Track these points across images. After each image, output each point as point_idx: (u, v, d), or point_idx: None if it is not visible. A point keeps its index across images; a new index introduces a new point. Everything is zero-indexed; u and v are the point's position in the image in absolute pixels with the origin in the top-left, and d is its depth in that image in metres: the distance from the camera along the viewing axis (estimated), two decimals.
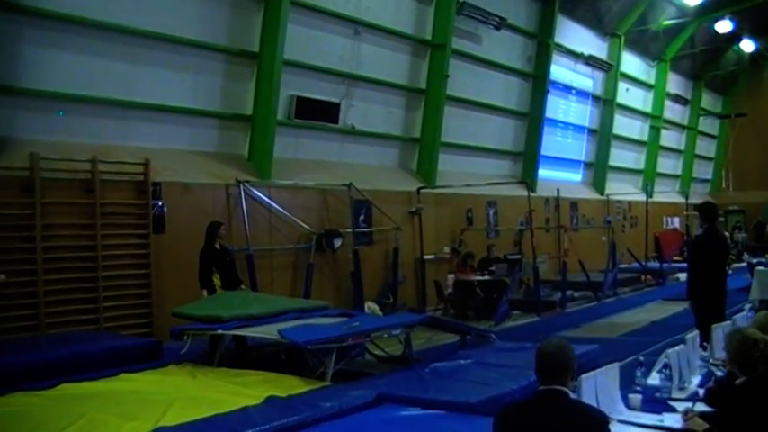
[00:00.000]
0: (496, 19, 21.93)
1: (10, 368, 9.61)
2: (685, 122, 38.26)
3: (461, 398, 8.47)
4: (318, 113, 17.41)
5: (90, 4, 13.17)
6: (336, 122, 18.02)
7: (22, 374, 9.55)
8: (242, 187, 15.16)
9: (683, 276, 24.74)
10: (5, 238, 11.97)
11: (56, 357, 10.25)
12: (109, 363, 10.38)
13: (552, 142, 26.75)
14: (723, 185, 41.94)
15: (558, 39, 25.48)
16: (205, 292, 12.15)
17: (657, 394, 6.74)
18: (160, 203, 13.89)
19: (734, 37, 34.61)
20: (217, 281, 12.36)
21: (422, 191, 19.78)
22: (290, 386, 9.22)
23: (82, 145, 13.12)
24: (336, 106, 17.91)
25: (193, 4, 14.86)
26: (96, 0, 13.30)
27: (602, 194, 29.60)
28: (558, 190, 23.84)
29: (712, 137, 42.03)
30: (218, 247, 12.53)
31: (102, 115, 13.68)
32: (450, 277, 18.70)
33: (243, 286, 12.97)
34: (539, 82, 25.08)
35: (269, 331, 10.35)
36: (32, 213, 12.16)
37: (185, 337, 10.80)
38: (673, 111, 36.12)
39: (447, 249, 20.31)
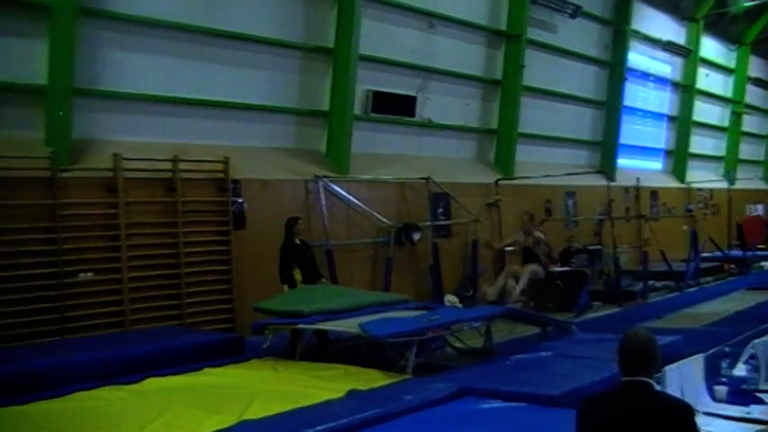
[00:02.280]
0: (571, 7, 21.74)
1: (98, 363, 9.82)
2: None
3: (543, 390, 8.43)
4: (395, 107, 17.42)
5: (166, 6, 13.38)
6: (413, 116, 18.02)
7: (110, 369, 9.76)
8: (320, 182, 15.26)
9: (767, 265, 24.34)
10: (91, 237, 12.23)
11: (141, 353, 10.44)
12: (192, 358, 10.55)
13: (631, 130, 26.35)
14: None
15: (634, 25, 25.10)
16: (286, 287, 12.23)
17: (744, 386, 6.64)
18: (240, 200, 14.04)
19: None
20: (297, 276, 12.44)
21: (500, 182, 19.70)
22: (372, 379, 9.26)
23: (162, 144, 13.34)
24: (413, 100, 17.90)
25: (268, 2, 14.99)
26: (172, 2, 13.50)
27: (682, 182, 29.12)
28: (637, 179, 23.56)
29: None
30: (297, 242, 12.63)
31: (181, 114, 13.88)
32: None
33: (324, 280, 13.04)
34: (616, 70, 24.73)
35: (350, 325, 10.41)
36: (116, 213, 12.41)
37: (266, 332, 10.95)
38: (754, 95, 35.21)
39: None
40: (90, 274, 12.14)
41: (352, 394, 8.47)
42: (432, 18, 18.12)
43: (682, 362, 6.21)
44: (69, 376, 9.33)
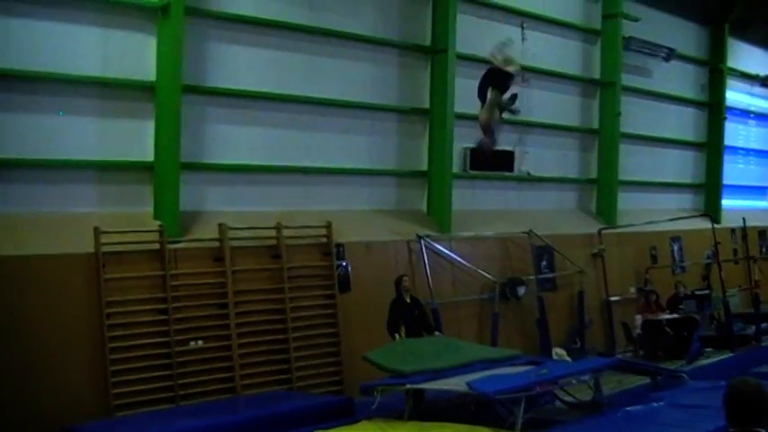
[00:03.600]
0: (665, 50, 21.59)
1: (211, 429, 10.09)
2: None
3: None
4: (493, 163, 17.43)
5: (264, 79, 13.78)
6: (512, 170, 18.08)
7: None
8: (422, 242, 15.37)
9: None
10: (201, 305, 12.57)
11: (252, 417, 10.68)
12: (302, 421, 10.72)
13: (734, 170, 25.85)
14: None
15: (730, 63, 24.78)
16: (397, 336, 12.45)
17: None
18: (344, 263, 14.23)
19: None
20: (402, 332, 12.57)
21: (603, 231, 19.53)
22: None
23: (266, 212, 13.64)
24: (510, 154, 17.96)
25: (363, 68, 15.30)
26: (272, 74, 13.90)
27: None
28: (743, 219, 23.04)
29: None
30: (407, 300, 12.78)
31: (283, 182, 14.22)
32: (638, 318, 18.33)
33: (437, 333, 13.08)
34: (715, 110, 24.40)
35: (458, 384, 10.43)
36: (224, 281, 12.72)
37: (375, 393, 11.05)
38: None
39: (633, 289, 19.92)
40: (200, 342, 12.44)
41: None
42: (525, 72, 18.17)
43: None
44: None
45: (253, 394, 12.58)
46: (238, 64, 13.52)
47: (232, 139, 13.51)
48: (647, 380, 12.55)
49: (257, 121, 13.82)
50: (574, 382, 11.30)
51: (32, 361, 10.65)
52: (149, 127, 12.48)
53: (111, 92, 12.20)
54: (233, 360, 12.64)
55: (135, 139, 12.48)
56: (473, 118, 16.80)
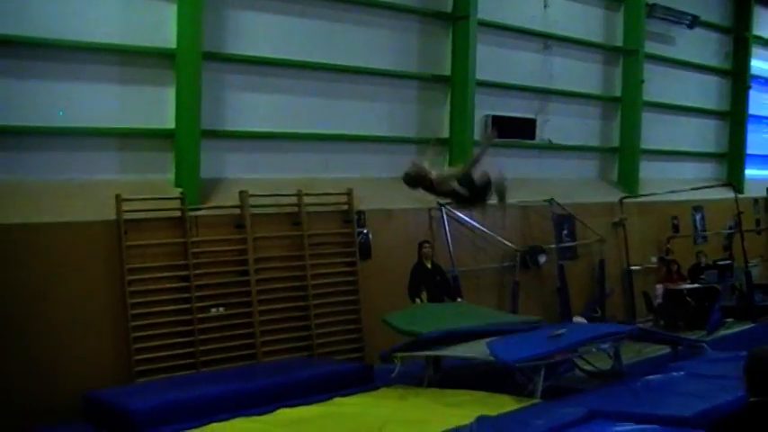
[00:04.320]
0: (689, 18, 21.38)
1: (231, 395, 10.12)
2: None
3: (675, 412, 8.33)
4: (514, 131, 17.35)
5: (285, 45, 13.74)
6: (533, 138, 17.99)
7: (242, 401, 10.04)
8: (443, 209, 15.36)
9: None
10: (222, 273, 12.63)
11: (272, 384, 10.72)
12: (322, 388, 10.72)
13: (758, 139, 25.62)
14: None
15: (756, 31, 24.51)
16: (418, 301, 12.52)
17: None
18: (365, 231, 14.25)
19: None
20: (423, 297, 12.60)
21: (624, 201, 19.45)
22: (500, 405, 9.23)
23: (287, 179, 13.67)
24: (532, 122, 17.88)
25: (384, 34, 15.23)
26: (291, 42, 13.86)
27: None
28: (767, 189, 22.90)
29: None
30: (429, 265, 12.80)
31: (303, 150, 14.21)
32: (659, 287, 18.28)
33: (459, 299, 13.06)
34: (739, 78, 24.18)
35: (478, 350, 10.41)
36: (245, 248, 12.77)
37: (395, 360, 11.09)
38: None
39: (654, 259, 19.86)
40: (221, 309, 12.51)
41: (481, 420, 8.49)
42: (547, 39, 18.09)
43: None
44: (204, 408, 9.66)
45: (273, 361, 12.66)
46: (259, 31, 13.47)
47: (252, 107, 13.50)
48: (667, 349, 12.51)
49: (277, 89, 13.79)
50: (594, 350, 11.26)
51: (56, 328, 10.75)
52: (170, 94, 12.46)
53: (132, 59, 12.19)
54: (253, 327, 12.71)
55: (155, 106, 12.47)
56: (494, 85, 16.91)
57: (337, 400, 10.23)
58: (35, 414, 10.15)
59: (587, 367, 11.67)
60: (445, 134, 16.23)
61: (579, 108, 19.34)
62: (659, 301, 18.07)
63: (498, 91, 17.17)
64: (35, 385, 10.37)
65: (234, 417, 9.44)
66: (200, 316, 12.23)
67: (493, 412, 8.80)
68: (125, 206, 11.59)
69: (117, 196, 11.56)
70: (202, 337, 12.20)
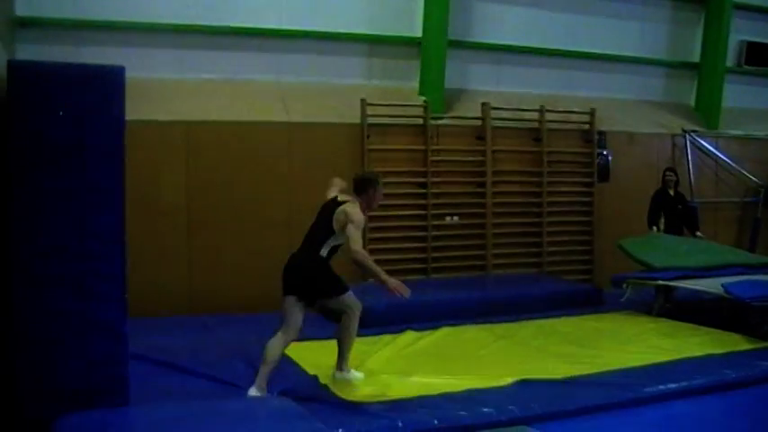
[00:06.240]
0: None
1: (462, 303, 10.40)
2: None
3: None
4: None
5: None
6: None
7: (471, 310, 10.30)
8: (688, 137, 14.85)
9: None
10: (459, 182, 12.80)
11: (502, 296, 10.90)
12: (551, 305, 10.83)
13: None
14: None
15: None
16: (655, 229, 12.26)
17: None
18: (605, 152, 13.98)
19: None
20: (661, 225, 12.32)
21: None
22: (732, 343, 8.88)
23: (530, 95, 13.57)
24: None
25: None
26: None
27: None
28: None
29: None
30: (671, 193, 12.47)
31: (548, 65, 14.02)
32: None
33: (699, 234, 12.69)
34: None
35: (712, 285, 10.09)
36: (483, 160, 12.86)
37: (626, 286, 10.96)
38: None
39: None
40: (456, 218, 12.71)
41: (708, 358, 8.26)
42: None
43: None
44: (435, 312, 10.01)
45: (503, 274, 12.80)
46: None
47: (499, 18, 13.43)
48: None
49: (525, 1, 13.64)
50: None
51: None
52: (419, 3, 12.64)
53: None
54: (486, 239, 12.86)
55: (404, 14, 12.69)
56: (753, 9, 15.98)
57: (565, 319, 10.29)
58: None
59: None
60: (696, 59, 15.58)
61: None
62: None
63: (758, 15, 16.23)
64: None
65: (463, 323, 9.76)
66: (435, 223, 12.49)
67: (720, 350, 8.49)
68: (369, 110, 11.92)
69: (362, 101, 11.90)
70: (435, 244, 12.47)
